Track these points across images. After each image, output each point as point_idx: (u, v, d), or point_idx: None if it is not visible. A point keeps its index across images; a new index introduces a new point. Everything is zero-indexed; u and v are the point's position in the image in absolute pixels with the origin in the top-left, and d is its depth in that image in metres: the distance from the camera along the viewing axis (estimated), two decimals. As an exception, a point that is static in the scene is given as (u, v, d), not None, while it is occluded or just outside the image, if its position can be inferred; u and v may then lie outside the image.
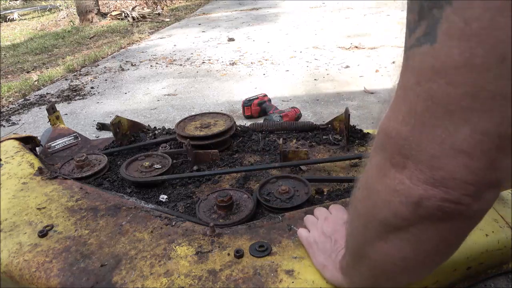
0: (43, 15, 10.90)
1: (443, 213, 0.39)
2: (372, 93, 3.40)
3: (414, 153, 0.39)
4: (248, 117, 3.03)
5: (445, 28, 0.34)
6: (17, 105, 3.94)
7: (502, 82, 0.33)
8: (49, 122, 1.39)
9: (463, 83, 0.35)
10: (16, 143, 1.24)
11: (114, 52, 5.80)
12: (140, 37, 6.71)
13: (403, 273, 0.49)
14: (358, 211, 0.51)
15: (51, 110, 1.38)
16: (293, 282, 0.64)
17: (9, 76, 5.13)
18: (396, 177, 0.41)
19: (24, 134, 1.31)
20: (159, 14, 9.10)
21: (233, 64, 4.63)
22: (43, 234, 0.81)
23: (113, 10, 9.21)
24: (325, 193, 0.95)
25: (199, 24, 7.41)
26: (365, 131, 1.21)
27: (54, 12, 10.90)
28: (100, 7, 9.36)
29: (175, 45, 5.90)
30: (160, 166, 1.08)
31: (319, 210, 0.77)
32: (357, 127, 1.22)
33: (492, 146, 0.36)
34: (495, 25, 0.32)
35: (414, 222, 0.42)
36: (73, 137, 1.32)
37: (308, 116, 3.03)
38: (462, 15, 0.33)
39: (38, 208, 0.90)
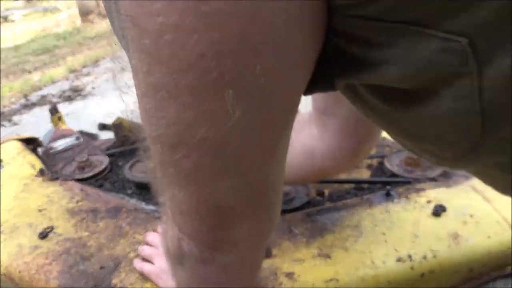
0: (44, 16, 10.91)
1: (187, 255, 0.42)
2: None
3: None
4: (249, 118, 3.03)
5: None
6: (18, 105, 3.95)
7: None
8: (51, 123, 1.39)
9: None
10: (18, 144, 1.24)
11: (115, 53, 5.81)
12: (141, 38, 6.71)
13: None
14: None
15: (54, 111, 1.38)
16: (293, 285, 0.64)
17: (10, 77, 5.14)
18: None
19: (26, 135, 1.31)
20: (160, 14, 9.11)
21: (234, 64, 4.63)
22: (43, 236, 0.81)
23: (115, 11, 9.21)
24: (326, 195, 0.94)
25: (201, 24, 7.41)
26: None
27: (55, 13, 10.91)
28: (101, 8, 9.37)
29: (176, 45, 5.90)
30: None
31: (154, 237, 0.74)
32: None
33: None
34: None
35: (182, 257, 0.43)
36: (75, 138, 1.32)
37: (309, 117, 3.02)
38: None
39: (38, 210, 0.90)
